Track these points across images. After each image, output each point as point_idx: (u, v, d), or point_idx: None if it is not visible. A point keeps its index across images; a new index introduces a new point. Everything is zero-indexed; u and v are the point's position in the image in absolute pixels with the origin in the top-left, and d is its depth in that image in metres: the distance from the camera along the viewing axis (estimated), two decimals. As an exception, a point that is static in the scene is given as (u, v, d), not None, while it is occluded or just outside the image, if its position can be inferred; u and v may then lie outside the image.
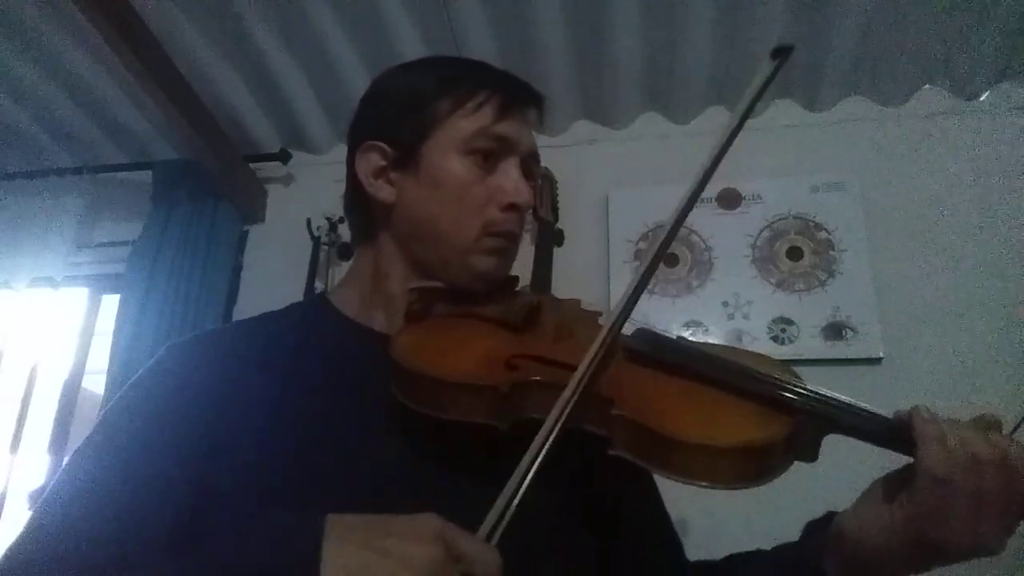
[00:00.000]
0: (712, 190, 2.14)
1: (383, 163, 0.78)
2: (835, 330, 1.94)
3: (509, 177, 0.76)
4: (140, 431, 0.67)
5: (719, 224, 2.11)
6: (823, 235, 2.04)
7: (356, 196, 0.82)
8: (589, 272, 2.12)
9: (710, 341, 1.96)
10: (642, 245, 2.14)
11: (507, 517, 0.53)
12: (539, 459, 0.55)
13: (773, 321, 1.98)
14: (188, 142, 2.23)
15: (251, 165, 2.45)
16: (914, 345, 1.90)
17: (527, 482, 0.54)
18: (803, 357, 1.92)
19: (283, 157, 2.43)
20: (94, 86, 2.32)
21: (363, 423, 0.69)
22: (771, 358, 0.71)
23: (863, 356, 1.90)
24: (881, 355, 1.90)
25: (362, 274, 0.82)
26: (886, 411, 0.60)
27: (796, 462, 0.61)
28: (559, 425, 0.58)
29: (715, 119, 2.25)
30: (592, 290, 2.08)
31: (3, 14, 2.09)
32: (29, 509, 2.07)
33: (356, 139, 0.81)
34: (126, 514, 0.61)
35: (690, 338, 1.95)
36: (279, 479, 0.64)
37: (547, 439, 0.56)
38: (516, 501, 0.54)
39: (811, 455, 0.61)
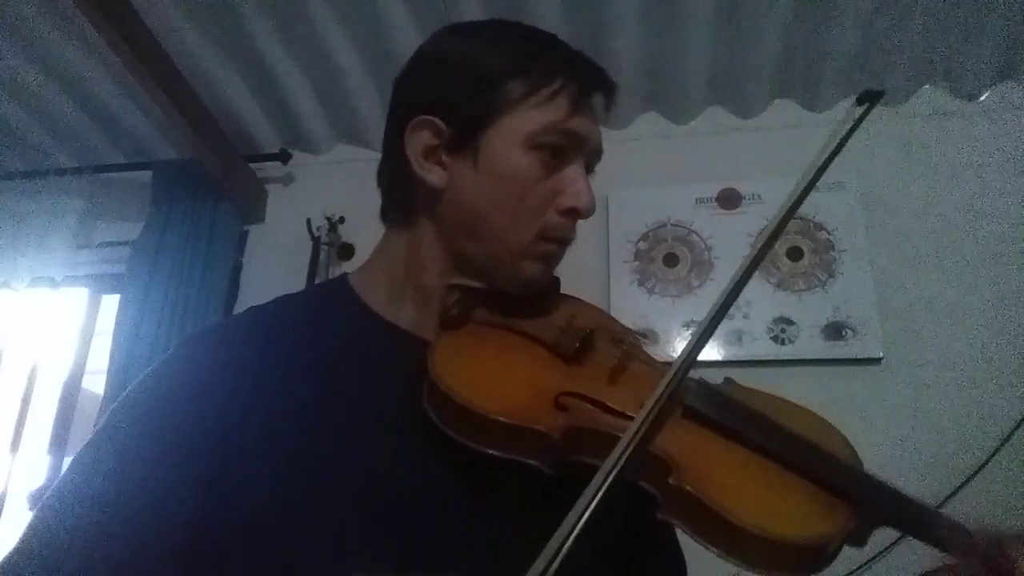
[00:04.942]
0: (712, 190, 2.15)
1: (436, 142, 0.69)
2: (835, 330, 1.94)
3: (574, 179, 0.69)
4: (147, 443, 0.61)
5: (719, 224, 2.11)
6: (823, 235, 2.04)
7: (398, 171, 0.71)
8: (589, 272, 2.12)
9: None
10: (642, 245, 2.14)
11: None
12: (586, 514, 0.50)
13: (773, 321, 1.98)
14: (188, 142, 2.24)
15: (251, 165, 2.45)
16: (914, 345, 1.90)
17: (571, 540, 0.49)
18: (803, 357, 1.92)
19: (283, 157, 2.43)
20: (94, 86, 2.32)
21: (390, 437, 0.63)
22: (828, 423, 0.66)
23: (863, 356, 1.90)
24: (881, 355, 1.89)
25: (393, 260, 0.74)
26: (950, 515, 0.57)
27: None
28: (608, 482, 0.52)
29: (715, 119, 2.26)
30: (592, 291, 2.07)
31: (3, 14, 2.09)
32: (29, 509, 2.08)
33: (406, 107, 0.71)
34: (125, 541, 0.56)
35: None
36: (296, 497, 0.59)
37: (595, 496, 0.52)
38: (558, 561, 0.48)
39: (862, 542, 0.59)
